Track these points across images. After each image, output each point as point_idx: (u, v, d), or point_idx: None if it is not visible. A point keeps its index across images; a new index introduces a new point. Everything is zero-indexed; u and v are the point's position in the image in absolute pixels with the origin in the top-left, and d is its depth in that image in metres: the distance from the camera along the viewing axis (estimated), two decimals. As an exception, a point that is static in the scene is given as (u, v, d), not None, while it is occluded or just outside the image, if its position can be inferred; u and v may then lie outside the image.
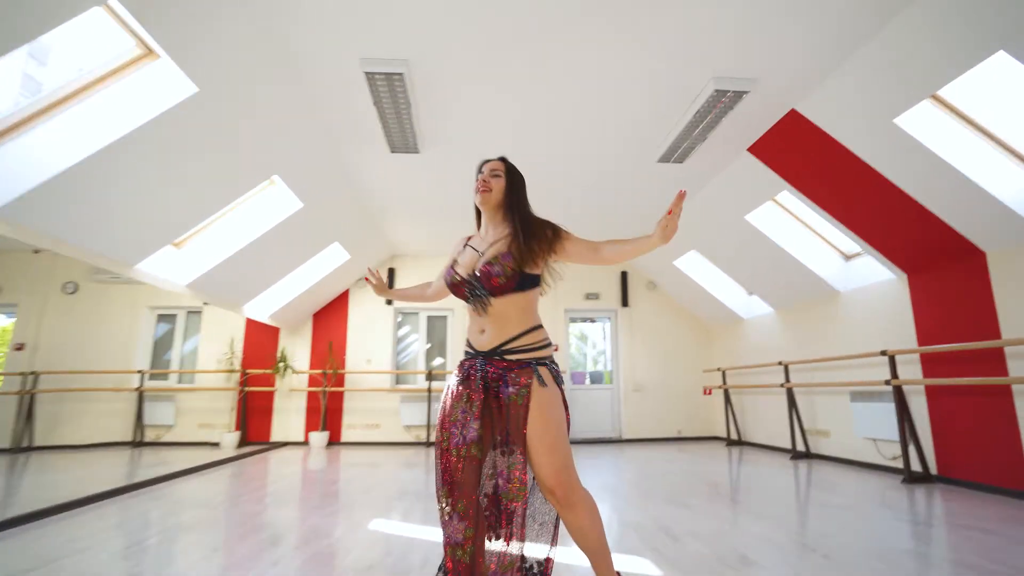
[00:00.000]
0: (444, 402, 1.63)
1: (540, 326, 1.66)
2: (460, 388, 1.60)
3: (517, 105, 3.96)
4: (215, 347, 7.50)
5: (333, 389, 7.53)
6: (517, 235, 1.64)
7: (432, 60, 3.41)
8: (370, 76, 3.44)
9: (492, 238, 1.71)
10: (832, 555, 2.41)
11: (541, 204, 6.04)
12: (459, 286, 1.66)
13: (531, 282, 1.63)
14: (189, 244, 4.69)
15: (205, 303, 7.27)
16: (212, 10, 2.78)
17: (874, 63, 3.30)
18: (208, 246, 4.83)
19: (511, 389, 1.54)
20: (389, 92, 3.64)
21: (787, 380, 5.89)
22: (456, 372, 1.66)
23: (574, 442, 7.81)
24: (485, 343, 1.62)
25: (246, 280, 5.69)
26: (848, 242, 5.22)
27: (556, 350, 1.59)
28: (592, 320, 8.65)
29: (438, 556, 2.27)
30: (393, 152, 4.53)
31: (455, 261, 1.74)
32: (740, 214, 5.39)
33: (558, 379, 1.62)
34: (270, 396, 7.55)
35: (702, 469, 5.12)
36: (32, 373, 7.17)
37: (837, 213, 4.58)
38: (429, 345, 8.23)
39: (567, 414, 1.63)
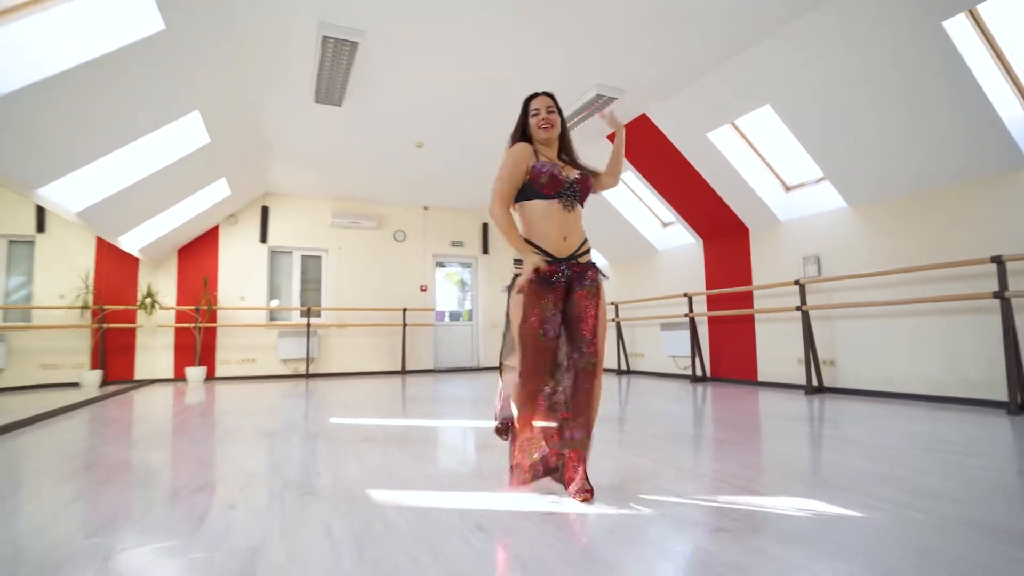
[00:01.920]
0: (530, 301, 1.89)
1: None
2: (544, 290, 1.89)
3: (436, 76, 4.65)
4: (56, 281, 6.83)
5: (207, 325, 7.47)
6: (585, 166, 2.07)
7: (383, 34, 3.95)
8: (325, 40, 3.87)
9: (560, 158, 2.05)
10: (628, 419, 3.89)
11: (455, 164, 6.76)
12: (564, 185, 1.92)
13: None
14: (86, 170, 4.49)
15: (41, 228, 6.57)
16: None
17: (703, 90, 4.76)
18: (106, 175, 4.66)
19: (587, 283, 1.94)
20: (335, 55, 4.08)
21: (616, 316, 7.68)
22: (533, 275, 1.88)
23: (441, 370, 8.94)
24: (566, 248, 1.93)
25: (131, 212, 5.48)
26: (667, 213, 6.97)
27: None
28: (445, 265, 9.67)
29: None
30: (316, 102, 4.88)
31: (554, 165, 1.95)
32: (595, 185, 6.80)
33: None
34: (131, 332, 7.20)
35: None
36: None
37: (662, 191, 6.21)
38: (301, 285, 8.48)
39: None
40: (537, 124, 1.99)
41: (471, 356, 9.40)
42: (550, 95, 2.04)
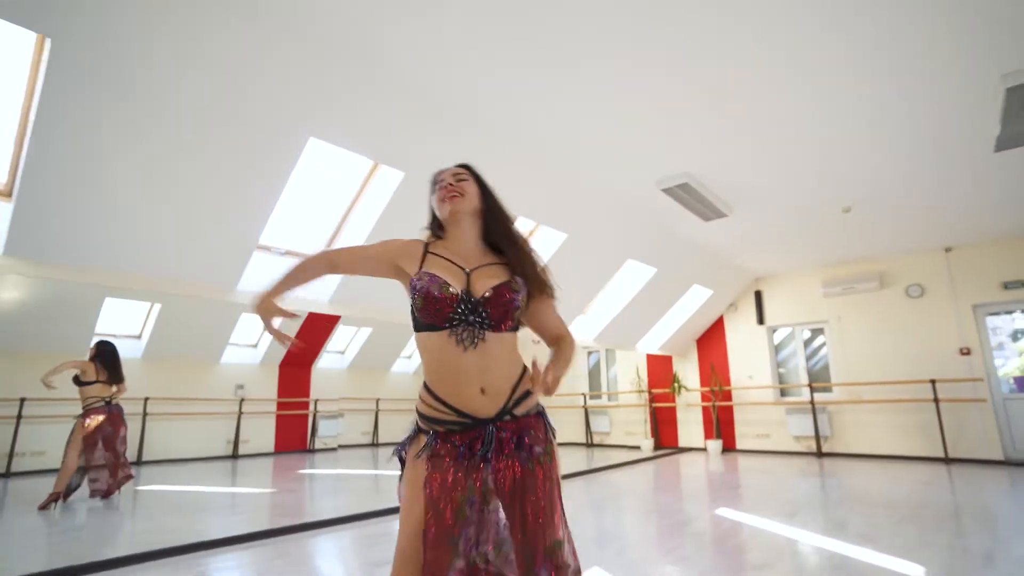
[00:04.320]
0: (429, 498, 1.14)
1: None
2: (455, 468, 1.16)
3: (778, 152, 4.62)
4: (628, 373, 9.97)
5: (721, 404, 8.80)
6: (527, 258, 1.34)
7: (706, 167, 4.60)
8: (666, 190, 4.91)
9: (480, 257, 1.34)
10: None
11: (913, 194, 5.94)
12: (449, 304, 1.20)
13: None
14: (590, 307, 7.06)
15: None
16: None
17: None
18: (600, 305, 7.14)
19: (537, 449, 1.21)
20: (678, 197, 4.99)
21: None
22: (427, 455, 1.19)
23: (1020, 462, 6.58)
24: (488, 406, 1.20)
25: (632, 328, 7.80)
26: None
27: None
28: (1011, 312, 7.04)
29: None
30: (705, 221, 5.74)
31: (436, 278, 1.23)
32: None
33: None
34: (673, 410, 9.43)
35: None
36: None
37: None
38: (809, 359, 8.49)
39: None
40: (438, 197, 1.37)
41: (1078, 442, 6.42)
42: (464, 165, 1.42)
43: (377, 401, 10.74)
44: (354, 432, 10.46)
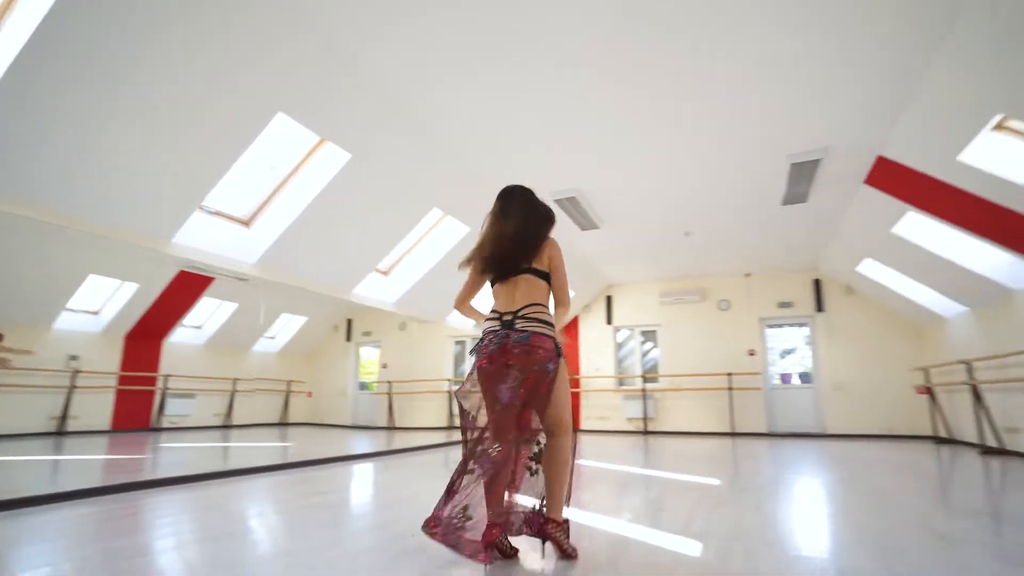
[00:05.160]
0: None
1: None
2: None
3: (648, 185, 5.85)
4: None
5: (572, 391, 10.10)
6: None
7: (593, 186, 5.62)
8: (557, 201, 5.84)
9: None
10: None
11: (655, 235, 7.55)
12: None
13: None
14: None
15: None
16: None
17: (915, 121, 4.29)
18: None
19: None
20: (570, 205, 5.98)
21: (970, 377, 6.15)
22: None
23: (777, 434, 8.80)
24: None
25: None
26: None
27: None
28: (780, 326, 9.42)
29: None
30: (583, 231, 6.84)
31: None
32: (885, 229, 6.10)
33: None
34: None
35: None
36: (388, 382, 11.54)
37: (957, 222, 5.15)
38: (646, 350, 10.20)
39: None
40: None
41: (814, 421, 8.81)
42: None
43: (235, 381, 10.24)
44: (205, 413, 9.85)
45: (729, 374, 9.11)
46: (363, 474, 4.54)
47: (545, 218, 2.28)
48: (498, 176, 5.43)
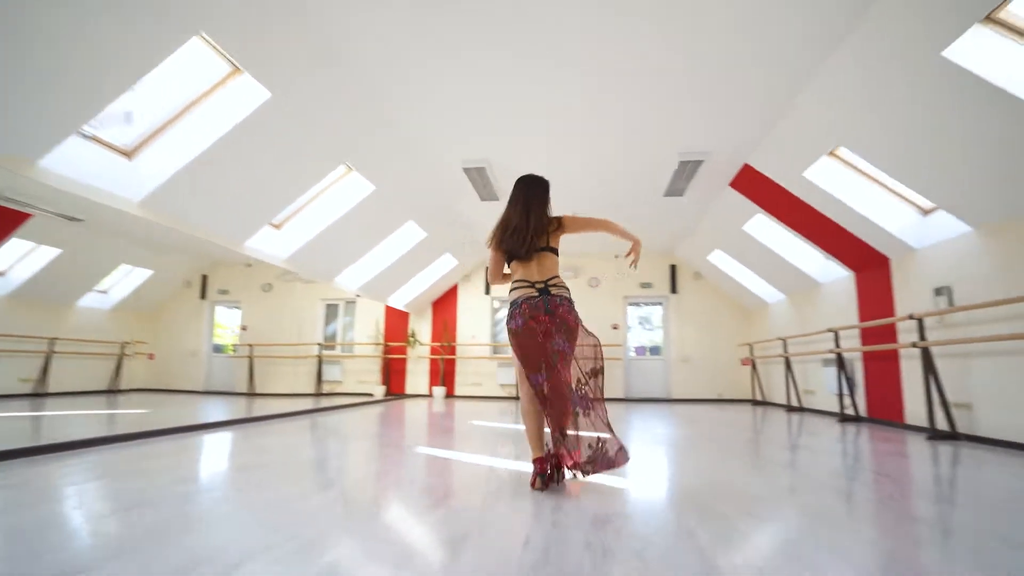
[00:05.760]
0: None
1: None
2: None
3: (555, 169, 6.17)
4: (366, 327, 10.59)
5: (448, 357, 10.31)
6: None
7: (502, 155, 5.74)
8: (466, 169, 5.87)
9: None
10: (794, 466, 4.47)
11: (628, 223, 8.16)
12: None
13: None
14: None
15: (357, 295, 10.34)
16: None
17: (782, 137, 5.12)
18: (371, 266, 7.63)
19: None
20: (477, 175, 6.05)
21: (785, 351, 7.59)
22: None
23: (633, 399, 9.95)
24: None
25: (388, 285, 8.51)
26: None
27: None
28: (637, 304, 10.62)
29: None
30: (482, 200, 6.96)
31: None
32: (737, 226, 7.18)
33: None
34: (403, 362, 10.51)
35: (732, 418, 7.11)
36: (249, 345, 10.67)
37: (795, 227, 6.29)
38: (517, 325, 10.72)
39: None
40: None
41: (663, 388, 10.13)
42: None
43: (51, 341, 8.63)
44: (8, 378, 8.19)
45: (595, 346, 9.99)
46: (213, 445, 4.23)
47: (546, 208, 2.69)
48: (413, 137, 5.30)
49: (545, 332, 2.45)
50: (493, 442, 4.21)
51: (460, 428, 5.21)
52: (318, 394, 10.40)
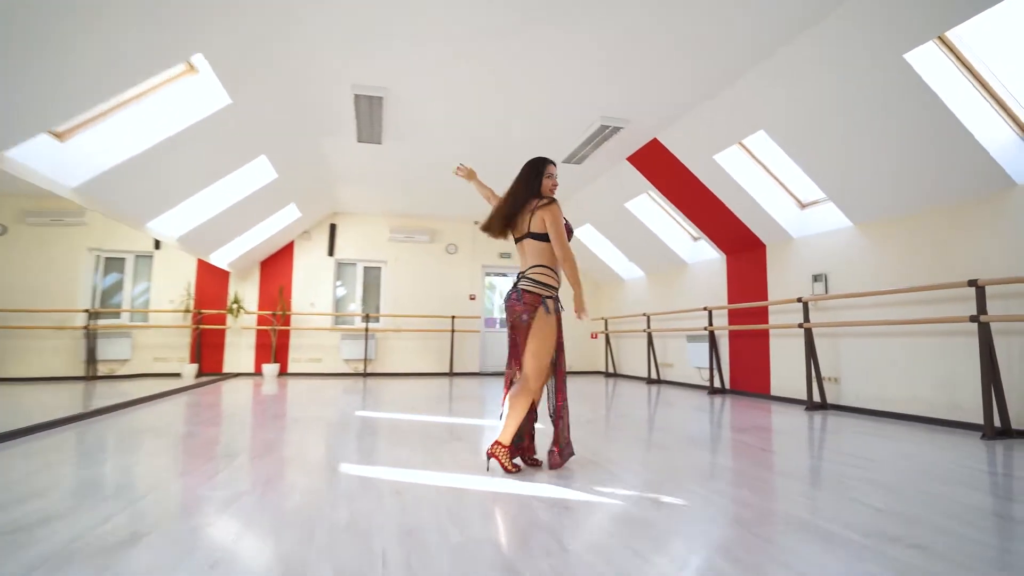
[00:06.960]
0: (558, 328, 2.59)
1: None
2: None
3: (461, 115, 5.29)
4: (168, 289, 8.24)
5: (281, 328, 8.64)
6: None
7: (404, 87, 4.65)
8: (357, 97, 4.63)
9: None
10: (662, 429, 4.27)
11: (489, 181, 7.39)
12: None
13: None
14: (182, 206, 5.59)
15: (157, 246, 7.98)
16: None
17: (704, 118, 5.05)
18: (196, 209, 5.76)
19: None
20: (368, 107, 4.84)
21: (648, 327, 7.95)
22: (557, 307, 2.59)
23: (487, 373, 9.60)
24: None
25: (218, 235, 6.63)
26: (693, 229, 7.19)
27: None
28: (504, 275, 10.31)
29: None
30: (359, 142, 5.70)
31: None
32: (621, 202, 7.17)
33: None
34: (222, 333, 8.51)
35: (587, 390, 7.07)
36: (-28, 310, 7.52)
37: (682, 208, 6.47)
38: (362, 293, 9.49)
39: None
40: (550, 187, 2.66)
41: (516, 361, 9.98)
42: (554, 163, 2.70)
43: None
44: None
45: (452, 317, 9.37)
46: None
47: (530, 192, 2.62)
48: (295, 39, 3.90)
49: (508, 324, 2.62)
50: (454, 454, 3.31)
51: (359, 427, 4.13)
52: (91, 377, 7.82)
